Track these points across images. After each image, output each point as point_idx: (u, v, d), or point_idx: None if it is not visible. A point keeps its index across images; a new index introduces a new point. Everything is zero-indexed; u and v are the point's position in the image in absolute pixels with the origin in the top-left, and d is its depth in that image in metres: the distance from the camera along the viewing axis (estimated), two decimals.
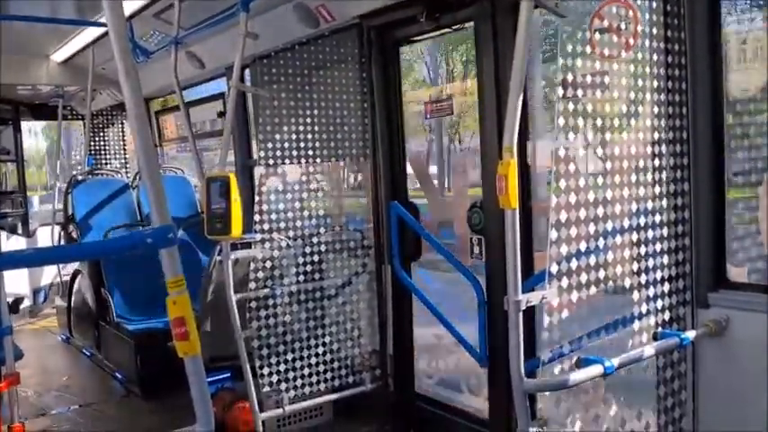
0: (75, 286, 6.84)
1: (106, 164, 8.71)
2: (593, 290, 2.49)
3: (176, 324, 1.65)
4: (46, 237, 8.02)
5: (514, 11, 2.45)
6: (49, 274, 8.26)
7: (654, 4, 2.69)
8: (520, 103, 2.43)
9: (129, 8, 5.16)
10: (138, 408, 5.26)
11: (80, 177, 7.14)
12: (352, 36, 4.44)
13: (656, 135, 2.73)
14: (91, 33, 6.13)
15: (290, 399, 4.18)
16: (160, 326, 5.39)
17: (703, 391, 2.83)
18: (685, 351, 2.81)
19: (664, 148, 2.74)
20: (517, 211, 2.36)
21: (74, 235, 6.70)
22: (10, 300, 6.71)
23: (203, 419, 1.79)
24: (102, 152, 8.83)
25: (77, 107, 8.78)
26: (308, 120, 4.39)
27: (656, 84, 2.71)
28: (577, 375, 2.34)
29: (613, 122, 2.56)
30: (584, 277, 2.44)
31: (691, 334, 2.72)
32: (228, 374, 4.67)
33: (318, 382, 4.30)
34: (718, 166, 2.83)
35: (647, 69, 2.69)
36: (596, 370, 2.36)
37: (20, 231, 8.52)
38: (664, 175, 2.75)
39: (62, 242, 7.04)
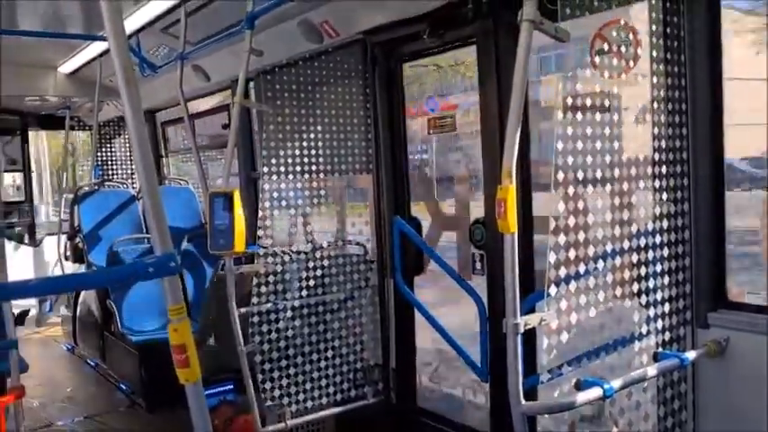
0: (81, 296, 6.88)
1: (113, 175, 8.77)
2: (592, 311, 2.50)
3: (177, 351, 1.68)
4: (53, 246, 8.08)
5: (516, 30, 2.47)
6: None
7: (654, 27, 2.71)
8: (519, 125, 2.44)
9: (136, 22, 5.23)
10: (141, 420, 5.28)
11: (86, 189, 7.20)
12: (355, 52, 4.47)
13: (656, 156, 2.74)
14: (98, 46, 6.20)
15: (293, 413, 4.18)
16: (165, 337, 5.40)
17: (703, 412, 2.83)
18: (685, 371, 2.82)
19: (664, 168, 2.75)
20: (516, 236, 2.38)
21: (80, 246, 6.75)
22: (16, 312, 6.80)
23: None
24: (109, 163, 8.91)
25: (85, 118, 8.86)
26: (312, 134, 4.42)
27: (656, 105, 2.73)
28: (577, 398, 2.35)
29: (613, 145, 2.57)
30: (583, 299, 2.46)
31: (690, 354, 2.73)
32: (231, 386, 4.68)
33: (321, 396, 4.31)
34: (717, 187, 2.84)
35: (648, 91, 2.71)
36: (596, 393, 2.37)
37: (26, 241, 8.60)
38: (664, 196, 2.76)
39: (68, 253, 7.09)
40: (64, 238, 7.40)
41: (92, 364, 6.70)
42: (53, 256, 7.97)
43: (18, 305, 7.47)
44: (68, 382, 6.43)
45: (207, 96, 6.72)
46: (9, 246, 7.38)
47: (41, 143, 12.53)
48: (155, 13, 5.08)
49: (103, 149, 8.85)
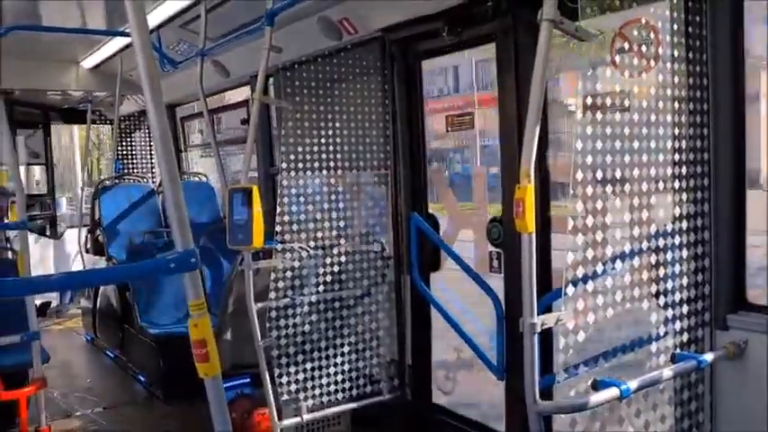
0: (101, 289, 6.97)
1: (133, 168, 8.86)
2: (609, 312, 2.49)
3: (197, 346, 1.70)
4: (74, 239, 8.20)
5: (536, 28, 2.46)
6: None
7: (676, 26, 2.68)
8: (538, 125, 2.43)
9: (156, 18, 5.28)
10: (160, 411, 5.34)
11: (107, 182, 7.29)
12: (374, 49, 4.48)
13: (677, 156, 2.72)
14: (120, 41, 6.26)
15: (309, 407, 4.21)
16: (184, 330, 5.45)
17: (721, 414, 2.81)
18: (703, 373, 2.80)
19: (684, 169, 2.73)
20: (534, 236, 2.37)
21: (100, 239, 6.84)
22: (38, 303, 6.90)
23: None
24: (130, 156, 8.99)
25: (106, 112, 8.95)
26: (330, 131, 4.44)
27: (677, 105, 2.71)
28: (593, 398, 2.34)
29: (633, 144, 2.55)
30: (600, 299, 2.45)
31: (709, 356, 2.71)
32: (248, 380, 4.72)
33: (337, 392, 4.33)
34: (738, 188, 2.81)
35: (669, 91, 2.68)
36: (612, 393, 2.36)
37: (48, 234, 8.72)
38: (684, 197, 2.74)
39: (89, 246, 7.18)
40: (84, 230, 7.51)
41: (111, 355, 6.79)
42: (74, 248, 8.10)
43: (40, 296, 7.57)
44: (88, 373, 6.53)
45: (226, 91, 6.77)
46: (30, 237, 7.49)
47: (72, 136, 12.63)
48: (175, 9, 5.13)
49: (124, 143, 8.94)
